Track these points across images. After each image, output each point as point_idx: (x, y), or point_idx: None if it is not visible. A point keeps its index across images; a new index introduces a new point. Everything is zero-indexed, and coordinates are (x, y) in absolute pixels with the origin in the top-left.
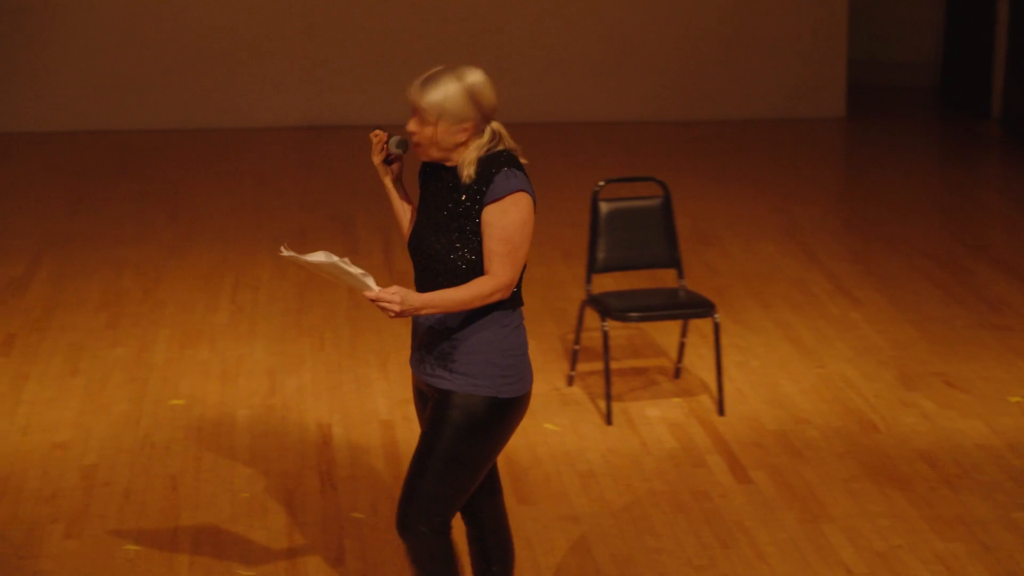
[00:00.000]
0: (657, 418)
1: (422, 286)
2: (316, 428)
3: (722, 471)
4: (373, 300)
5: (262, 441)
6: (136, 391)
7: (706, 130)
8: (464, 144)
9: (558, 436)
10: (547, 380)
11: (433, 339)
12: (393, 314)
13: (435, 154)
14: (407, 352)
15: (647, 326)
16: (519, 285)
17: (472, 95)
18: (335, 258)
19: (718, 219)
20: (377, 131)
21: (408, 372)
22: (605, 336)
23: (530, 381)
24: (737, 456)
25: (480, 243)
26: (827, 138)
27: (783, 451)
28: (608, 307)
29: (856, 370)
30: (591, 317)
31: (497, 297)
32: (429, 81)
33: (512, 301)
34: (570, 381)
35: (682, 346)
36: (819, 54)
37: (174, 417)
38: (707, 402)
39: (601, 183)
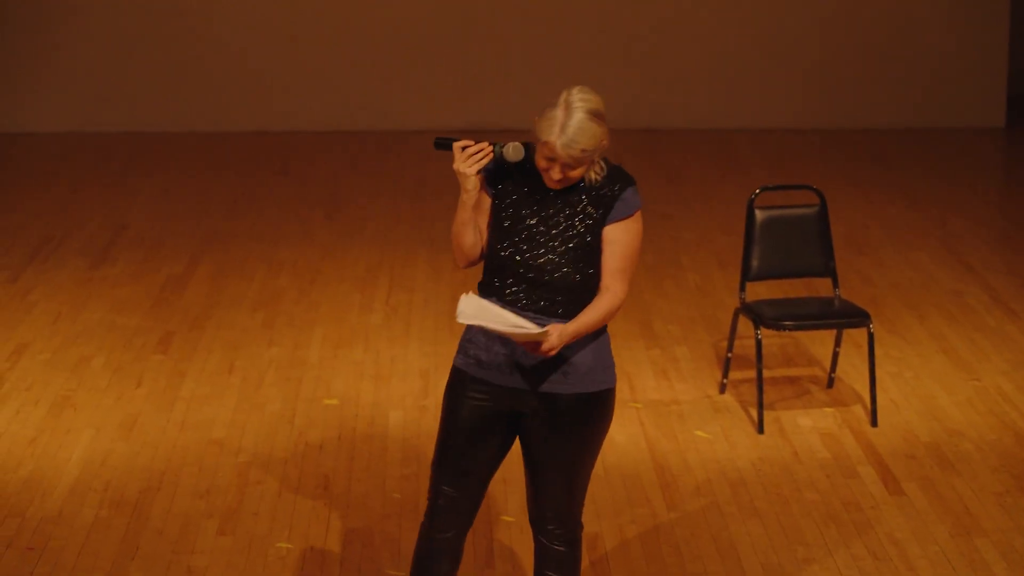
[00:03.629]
0: (809, 427)
1: (521, 298)
2: None
3: (874, 482)
4: (537, 348)
5: (414, 442)
6: (290, 390)
7: (859, 138)
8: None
9: (709, 444)
10: (699, 387)
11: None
12: (549, 354)
13: (578, 177)
14: None
15: (801, 335)
16: None
17: (598, 117)
18: (498, 309)
19: (872, 228)
20: (484, 143)
21: None
22: (758, 344)
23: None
24: (889, 467)
25: (595, 256)
26: (985, 148)
27: (936, 463)
28: (762, 315)
29: (1012, 383)
30: (744, 325)
31: (617, 314)
32: (567, 129)
33: None
34: (722, 389)
35: (836, 356)
36: (978, 63)
37: (327, 417)
38: (860, 412)
39: (757, 191)
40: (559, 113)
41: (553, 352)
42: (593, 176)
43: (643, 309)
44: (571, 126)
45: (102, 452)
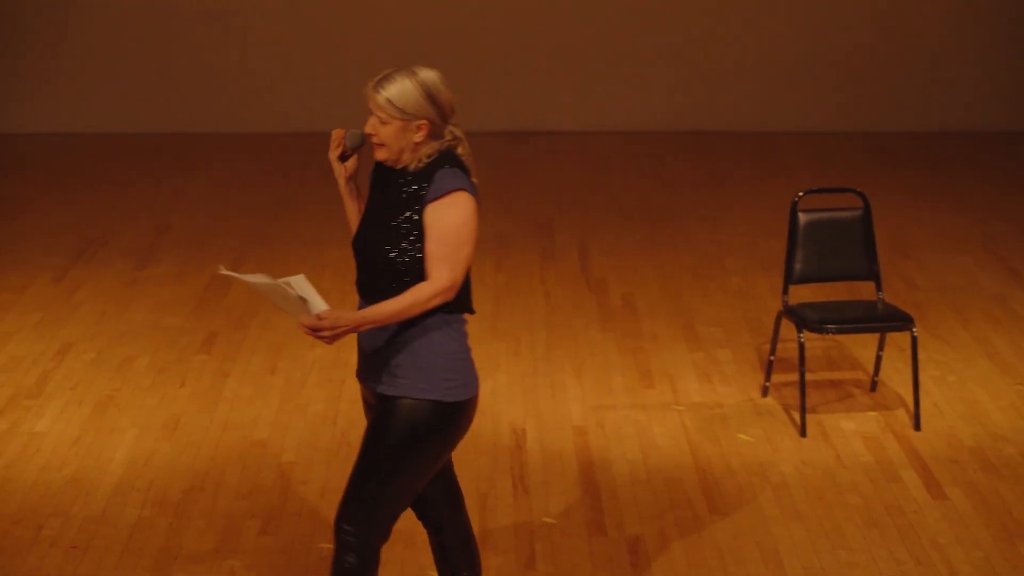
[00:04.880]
0: (852, 431)
1: (363, 286)
2: (510, 432)
3: (917, 486)
4: (306, 330)
5: None
6: (333, 391)
7: (904, 141)
8: (420, 144)
9: (751, 447)
10: (742, 390)
11: (376, 345)
12: (328, 340)
13: (393, 154)
14: (603, 358)
15: (844, 338)
16: (467, 290)
17: (427, 91)
18: (273, 280)
19: (916, 232)
20: (338, 129)
21: None
22: (801, 347)
23: (475, 387)
24: (932, 472)
25: (417, 238)
26: None
27: (980, 468)
28: (805, 318)
29: None
30: (787, 328)
31: (438, 301)
32: (384, 80)
33: (457, 305)
34: (765, 392)
35: (879, 359)
36: None
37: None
38: (903, 416)
39: (801, 194)
40: (395, 69)
41: (326, 335)
42: (421, 161)
43: (686, 312)
44: (390, 77)
45: (146, 452)
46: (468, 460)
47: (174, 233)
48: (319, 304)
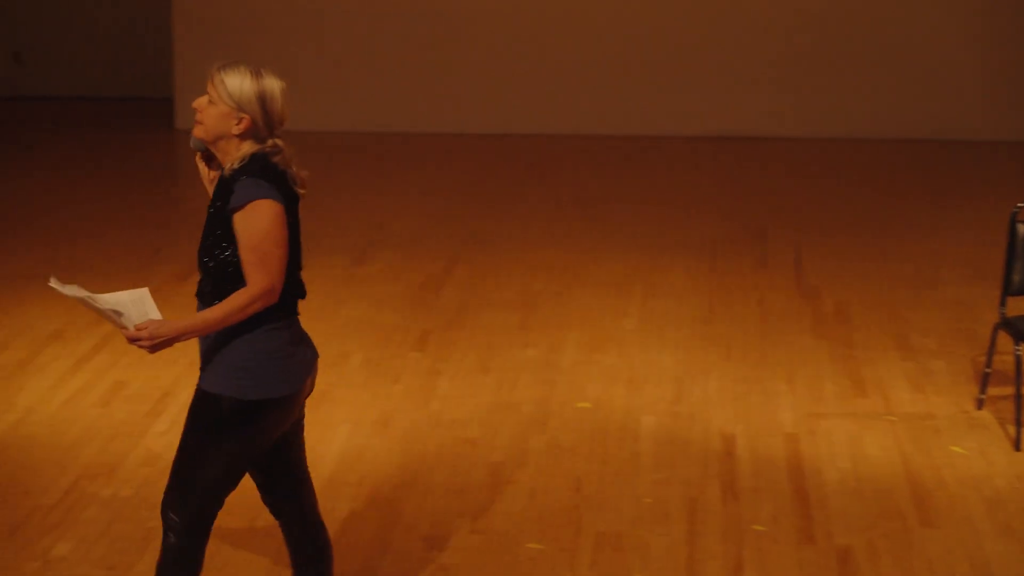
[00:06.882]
0: None
1: (198, 292)
2: (720, 437)
3: None
4: (128, 340)
5: (666, 448)
6: (544, 392)
7: None
8: (235, 140)
9: (965, 460)
10: (955, 402)
11: (203, 340)
12: (148, 350)
13: (209, 135)
14: (815, 366)
15: None
16: (292, 291)
17: (261, 95)
18: (85, 293)
19: None
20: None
21: None
22: (1018, 360)
23: (280, 388)
24: None
25: (229, 243)
26: None
27: None
28: (1022, 331)
29: None
30: (1004, 340)
31: (258, 306)
32: (230, 66)
33: (281, 308)
34: (979, 404)
35: None
36: None
37: (580, 420)
38: None
39: (1020, 204)
40: (248, 64)
41: (145, 345)
42: (234, 164)
43: (900, 322)
44: (236, 66)
45: (358, 447)
46: (677, 466)
47: (389, 232)
48: (135, 317)
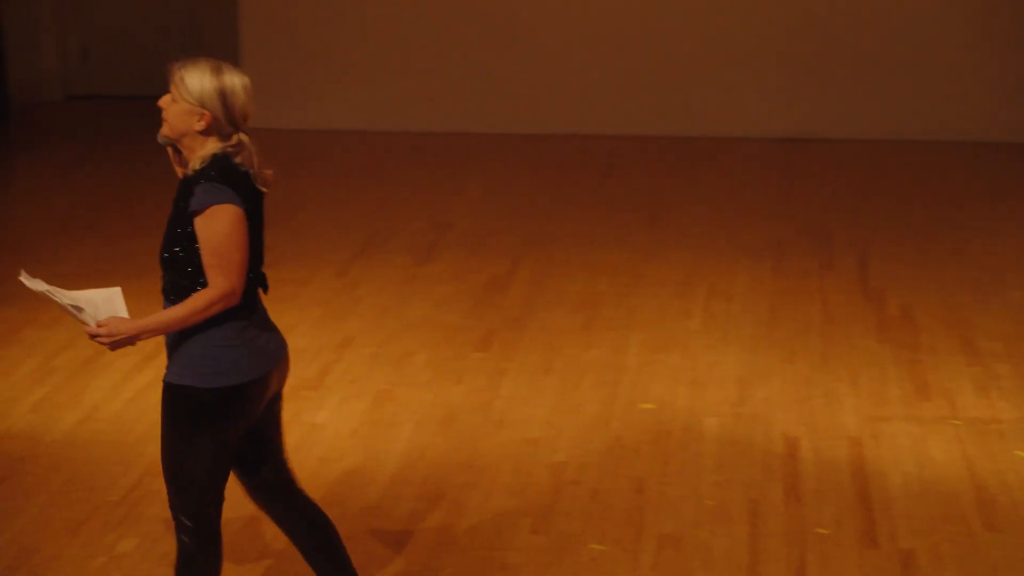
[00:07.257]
0: None
1: (163, 286)
2: (783, 440)
3: None
4: (89, 337)
5: (729, 449)
6: (607, 393)
7: None
8: (199, 137)
9: None
10: (1020, 407)
11: (168, 335)
12: (109, 347)
13: (174, 133)
14: (879, 369)
15: None
16: (252, 292)
17: (222, 91)
18: (46, 287)
19: None
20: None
21: None
22: None
23: (239, 375)
24: None
25: (189, 243)
26: None
27: None
28: None
29: None
30: None
31: (219, 308)
32: (191, 64)
33: (243, 309)
34: None
35: None
36: None
37: (643, 420)
38: None
39: None
40: (209, 60)
41: (105, 342)
42: (197, 163)
43: (965, 325)
44: (197, 63)
45: (420, 446)
46: (739, 467)
47: (453, 232)
48: (103, 314)
